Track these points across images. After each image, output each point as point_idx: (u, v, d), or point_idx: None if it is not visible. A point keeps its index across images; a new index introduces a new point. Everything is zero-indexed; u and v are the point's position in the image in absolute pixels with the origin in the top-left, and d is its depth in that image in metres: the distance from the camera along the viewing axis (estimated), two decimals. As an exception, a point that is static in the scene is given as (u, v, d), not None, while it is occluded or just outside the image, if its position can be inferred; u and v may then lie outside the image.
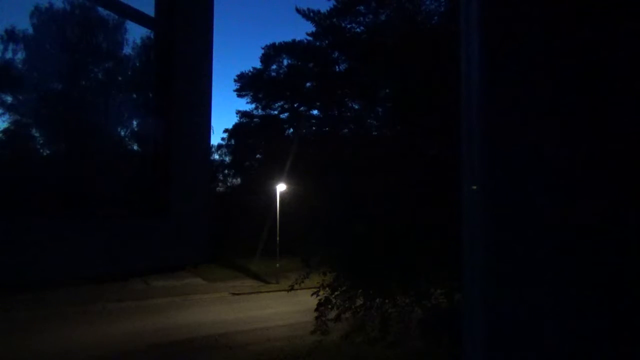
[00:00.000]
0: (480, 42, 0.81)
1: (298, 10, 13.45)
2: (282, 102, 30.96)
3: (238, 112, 35.08)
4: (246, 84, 31.27)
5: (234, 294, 19.32)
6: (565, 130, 0.74)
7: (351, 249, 8.79)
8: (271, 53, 29.40)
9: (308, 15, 13.51)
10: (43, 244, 1.03)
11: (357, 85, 12.08)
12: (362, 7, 12.25)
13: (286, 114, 31.22)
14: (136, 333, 13.09)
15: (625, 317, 0.70)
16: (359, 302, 9.23)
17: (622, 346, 0.70)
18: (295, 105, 29.54)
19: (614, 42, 0.73)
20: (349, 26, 12.96)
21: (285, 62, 29.25)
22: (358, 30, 12.54)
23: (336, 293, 9.30)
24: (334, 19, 13.27)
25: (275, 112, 31.75)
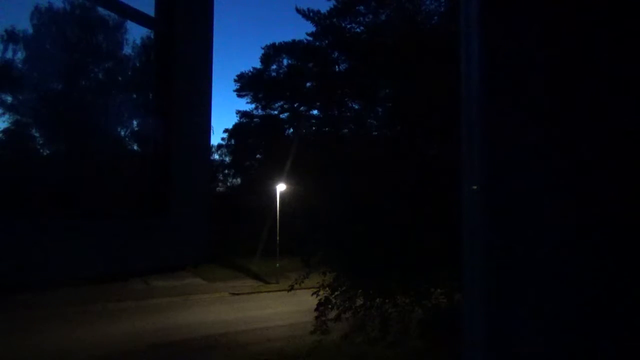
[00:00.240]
0: (480, 42, 0.81)
1: (298, 10, 13.44)
2: (282, 102, 30.95)
3: (238, 112, 35.10)
4: (246, 84, 31.27)
5: (234, 294, 19.32)
6: (564, 130, 0.74)
7: (351, 249, 8.79)
8: (271, 53, 29.40)
9: (308, 15, 13.50)
10: (43, 244, 1.03)
11: (357, 85, 12.07)
12: (362, 7, 12.25)
13: (286, 114, 31.22)
14: (136, 333, 13.09)
15: (625, 316, 0.70)
16: (359, 302, 9.22)
17: (623, 346, 0.70)
18: (295, 105, 29.53)
19: (614, 43, 0.73)
20: (349, 26, 12.96)
21: (285, 62, 29.25)
22: (358, 30, 12.53)
23: (336, 293, 9.29)
24: (334, 19, 13.26)
25: (275, 112, 31.76)
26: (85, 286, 15.59)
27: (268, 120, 31.80)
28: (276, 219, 22.90)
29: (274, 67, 30.05)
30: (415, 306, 8.87)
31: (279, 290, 18.14)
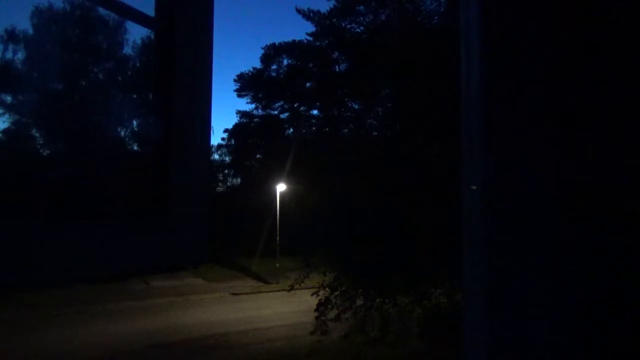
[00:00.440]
0: (480, 42, 0.81)
1: (298, 11, 13.45)
2: (282, 102, 30.94)
3: (238, 112, 35.07)
4: (246, 84, 31.26)
5: (234, 294, 19.31)
6: (564, 130, 0.74)
7: (351, 249, 8.79)
8: (271, 53, 29.39)
9: (308, 15, 13.51)
10: (43, 244, 1.03)
11: (357, 85, 12.07)
12: (362, 7, 12.25)
13: (286, 114, 31.21)
14: (136, 333, 13.09)
15: (626, 315, 0.70)
16: (359, 302, 9.23)
17: (623, 344, 0.71)
18: (295, 105, 29.52)
19: (614, 42, 0.73)
20: (349, 26, 12.96)
21: (285, 62, 29.24)
22: (358, 30, 12.53)
23: (336, 293, 9.29)
24: (334, 19, 13.27)
25: (275, 112, 31.74)
26: (85, 286, 15.59)
27: (268, 120, 31.78)
28: (276, 219, 22.89)
29: (274, 67, 30.05)
30: (415, 306, 8.88)
31: (279, 290, 18.13)
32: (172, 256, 1.36)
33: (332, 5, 13.01)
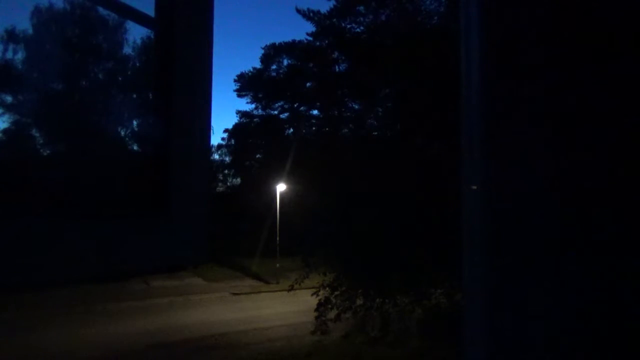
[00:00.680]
0: (480, 42, 0.81)
1: (298, 11, 13.45)
2: (282, 102, 30.95)
3: (238, 112, 35.08)
4: (246, 84, 31.27)
5: (234, 294, 19.31)
6: (565, 130, 0.74)
7: (351, 249, 8.79)
8: (271, 53, 29.40)
9: (308, 15, 13.51)
10: (43, 244, 1.03)
11: (357, 85, 12.07)
12: (362, 7, 12.25)
13: (286, 114, 31.22)
14: (136, 333, 13.09)
15: (626, 315, 0.70)
16: (359, 302, 9.22)
17: (623, 344, 0.70)
18: (295, 105, 29.52)
19: (615, 42, 0.73)
20: (349, 26, 12.96)
21: (285, 62, 29.25)
22: (358, 30, 12.53)
23: (336, 293, 9.29)
24: (334, 19, 13.27)
25: (275, 112, 31.75)
26: (85, 286, 15.59)
27: (268, 120, 31.78)
28: (276, 219, 22.89)
29: (274, 67, 30.05)
30: (415, 306, 8.87)
31: (279, 290, 18.13)
32: (172, 256, 1.36)
33: (332, 5, 13.02)
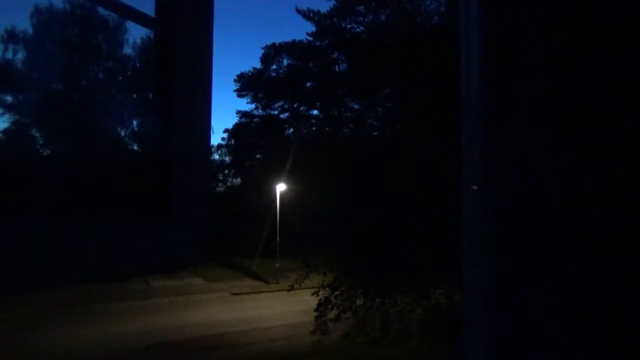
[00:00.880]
0: (480, 42, 0.81)
1: (298, 10, 13.43)
2: (282, 102, 30.96)
3: (238, 112, 35.10)
4: (246, 84, 31.28)
5: (234, 294, 19.32)
6: (565, 130, 0.74)
7: (351, 249, 8.79)
8: (271, 53, 29.41)
9: (308, 15, 13.50)
10: (43, 244, 1.03)
11: (357, 85, 12.07)
12: (362, 7, 12.24)
13: (286, 114, 31.23)
14: (136, 333, 13.09)
15: (627, 315, 0.70)
16: (359, 302, 9.23)
17: (623, 344, 0.71)
18: (295, 105, 29.52)
19: (616, 42, 0.73)
20: (349, 26, 12.95)
21: (285, 62, 29.26)
22: (358, 30, 12.53)
23: (336, 293, 9.29)
24: (334, 19, 13.26)
25: (275, 112, 31.77)
26: (85, 286, 15.59)
27: (268, 120, 31.79)
28: (276, 219, 22.90)
29: (274, 67, 30.05)
30: (415, 306, 8.88)
31: (279, 290, 18.13)
32: (172, 256, 1.36)
33: (332, 5, 13.01)
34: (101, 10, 1.39)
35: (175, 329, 13.69)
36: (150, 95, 1.53)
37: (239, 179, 36.49)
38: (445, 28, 8.98)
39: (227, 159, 36.44)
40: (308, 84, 26.68)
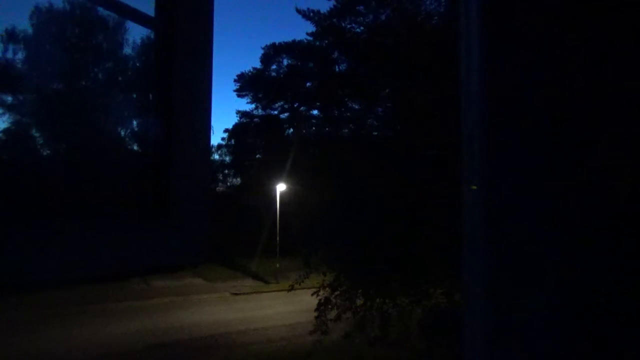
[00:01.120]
0: (480, 41, 0.81)
1: (298, 11, 13.41)
2: (282, 102, 30.97)
3: (238, 112, 35.14)
4: (246, 84, 31.28)
5: (234, 294, 19.32)
6: (565, 130, 0.74)
7: (351, 249, 8.79)
8: (271, 53, 29.41)
9: (308, 15, 13.47)
10: (43, 244, 1.03)
11: (357, 85, 12.07)
12: (362, 7, 12.23)
13: (286, 114, 31.24)
14: (136, 333, 13.10)
15: (625, 315, 0.70)
16: (359, 302, 9.22)
17: (623, 349, 0.71)
18: (295, 105, 29.52)
19: (616, 42, 0.73)
20: (349, 26, 12.93)
21: (285, 62, 29.27)
22: (358, 30, 12.52)
23: (336, 293, 9.29)
24: (334, 19, 13.24)
25: (275, 112, 31.78)
26: (85, 286, 15.59)
27: (268, 120, 31.80)
28: (276, 219, 22.90)
29: (274, 67, 30.06)
30: (415, 306, 8.87)
31: (279, 290, 18.14)
32: (173, 256, 1.36)
33: (332, 5, 12.98)
34: (101, 10, 1.39)
35: (175, 329, 13.69)
36: (150, 95, 1.53)
37: (239, 179, 36.50)
38: (446, 28, 8.98)
39: (227, 159, 36.46)
40: (308, 84, 26.67)
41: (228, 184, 36.96)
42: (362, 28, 12.42)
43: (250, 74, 30.91)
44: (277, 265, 21.38)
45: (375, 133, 11.74)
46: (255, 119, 32.95)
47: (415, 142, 8.96)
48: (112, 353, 11.56)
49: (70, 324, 13.51)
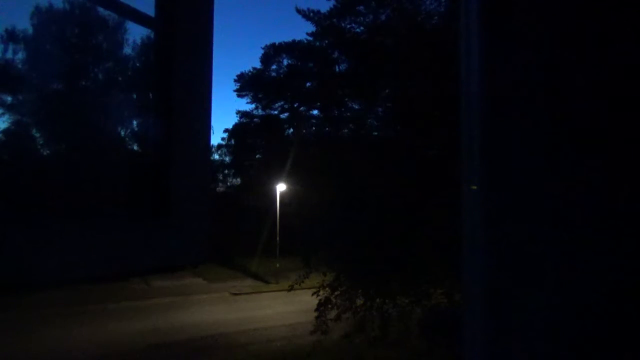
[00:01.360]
0: (480, 41, 0.81)
1: (298, 11, 13.41)
2: (282, 102, 30.99)
3: (238, 112, 35.15)
4: (246, 84, 31.29)
5: (234, 294, 19.32)
6: (565, 129, 0.74)
7: (351, 249, 8.79)
8: (271, 53, 29.42)
9: (308, 15, 13.47)
10: (43, 244, 1.03)
11: (357, 85, 12.06)
12: (362, 7, 12.23)
13: (286, 114, 31.25)
14: (136, 333, 13.10)
15: (625, 315, 0.70)
16: (359, 302, 9.22)
17: (623, 348, 0.70)
18: (295, 105, 29.52)
19: (617, 41, 0.73)
20: (349, 26, 12.93)
21: (285, 62, 29.29)
22: (358, 30, 12.51)
23: (336, 293, 9.29)
24: (334, 19, 13.24)
25: (275, 112, 31.80)
26: (85, 286, 15.59)
27: (268, 120, 31.80)
28: (276, 219, 22.90)
29: (274, 67, 30.07)
30: (415, 306, 8.87)
31: (279, 290, 18.13)
32: (173, 256, 1.36)
33: (332, 5, 12.98)
34: (101, 10, 1.39)
35: (175, 329, 13.69)
36: (150, 95, 1.53)
37: (239, 179, 36.51)
38: (446, 28, 8.97)
39: (227, 159, 36.47)
40: (308, 84, 26.67)
41: (228, 184, 36.99)
42: (362, 28, 12.41)
43: (250, 74, 30.93)
44: (277, 265, 21.38)
45: (375, 133, 11.74)
46: (255, 119, 32.97)
47: (415, 142, 8.95)
48: (112, 353, 11.56)
49: (70, 324, 13.51)
